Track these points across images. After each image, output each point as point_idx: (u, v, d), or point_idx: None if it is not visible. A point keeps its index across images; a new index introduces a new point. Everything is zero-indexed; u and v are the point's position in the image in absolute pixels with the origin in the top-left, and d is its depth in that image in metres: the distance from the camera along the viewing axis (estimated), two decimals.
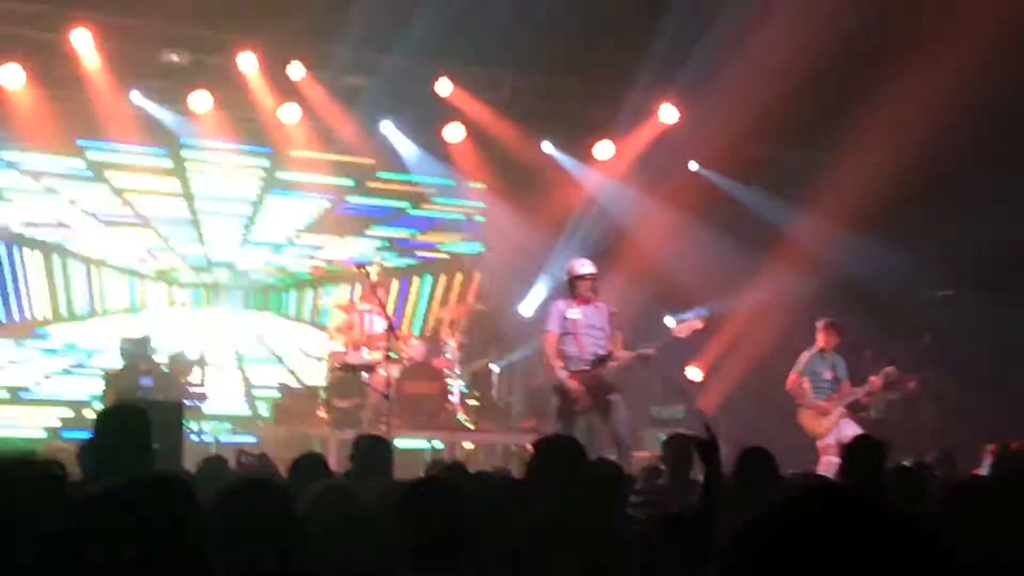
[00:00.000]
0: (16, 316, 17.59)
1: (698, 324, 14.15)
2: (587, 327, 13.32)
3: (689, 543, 4.69)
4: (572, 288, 13.53)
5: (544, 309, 15.10)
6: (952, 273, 18.38)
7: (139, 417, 6.51)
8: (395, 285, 18.50)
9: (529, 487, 6.17)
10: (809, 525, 1.86)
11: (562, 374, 13.14)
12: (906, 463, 10.42)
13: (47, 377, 17.64)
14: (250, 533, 3.88)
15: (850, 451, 7.43)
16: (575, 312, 13.35)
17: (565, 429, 12.78)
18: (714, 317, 16.32)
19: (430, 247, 20.20)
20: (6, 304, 17.49)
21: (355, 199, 19.54)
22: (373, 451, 8.58)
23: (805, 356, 15.45)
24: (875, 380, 15.44)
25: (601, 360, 13.24)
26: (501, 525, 4.69)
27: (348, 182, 19.39)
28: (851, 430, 13.88)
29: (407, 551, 4.43)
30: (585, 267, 13.55)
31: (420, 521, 4.47)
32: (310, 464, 7.54)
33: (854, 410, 15.41)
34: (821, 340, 15.42)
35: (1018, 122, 16.85)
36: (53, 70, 16.42)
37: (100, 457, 6.17)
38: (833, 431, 14.81)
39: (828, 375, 15.30)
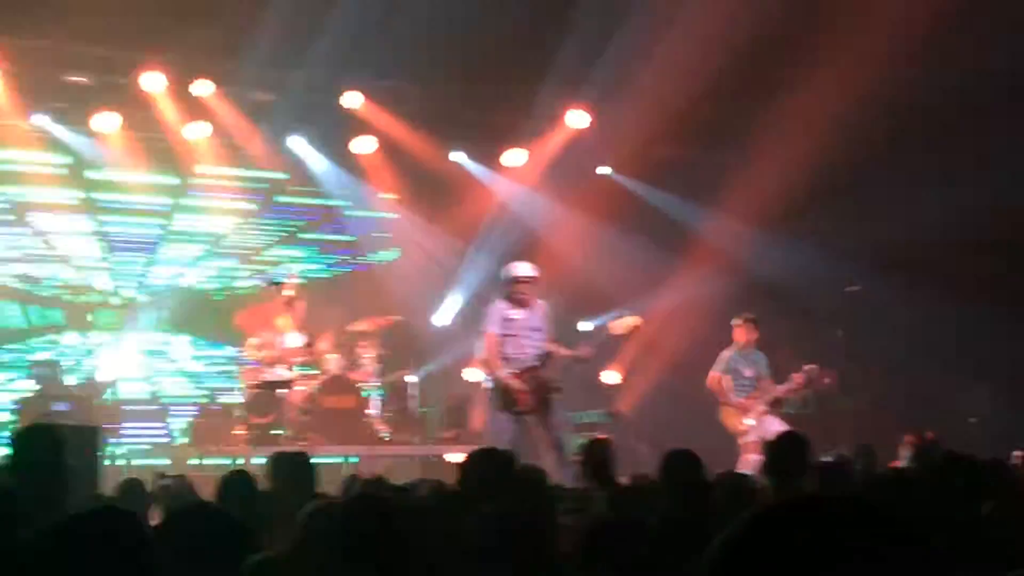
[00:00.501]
0: None
1: (638, 321, 14.07)
2: (527, 328, 13.28)
3: (613, 550, 4.67)
4: (510, 290, 13.45)
5: (473, 316, 15.02)
6: (861, 268, 18.53)
7: (51, 438, 6.43)
8: (309, 299, 18.38)
9: (461, 499, 6.15)
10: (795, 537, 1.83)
11: (503, 373, 13.08)
12: (827, 458, 10.54)
13: None
14: (202, 558, 3.82)
15: (774, 448, 7.46)
16: (515, 313, 13.30)
17: (501, 428, 12.78)
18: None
19: (343, 259, 20.10)
20: None
21: (266, 214, 19.42)
22: (293, 468, 8.51)
23: (725, 354, 15.49)
24: (797, 377, 15.50)
25: (541, 359, 13.22)
26: (435, 540, 4.67)
27: (259, 197, 19.26)
28: (773, 427, 13.92)
29: (344, 570, 4.38)
30: (523, 270, 13.48)
31: (356, 538, 4.42)
32: (238, 482, 7.45)
33: (774, 407, 15.50)
34: (740, 336, 15.45)
35: (921, 119, 17.04)
36: None
37: (15, 478, 6.07)
38: (755, 428, 14.86)
39: (749, 372, 15.35)
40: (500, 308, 13.37)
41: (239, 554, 3.87)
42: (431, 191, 19.38)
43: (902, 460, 12.45)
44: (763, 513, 1.86)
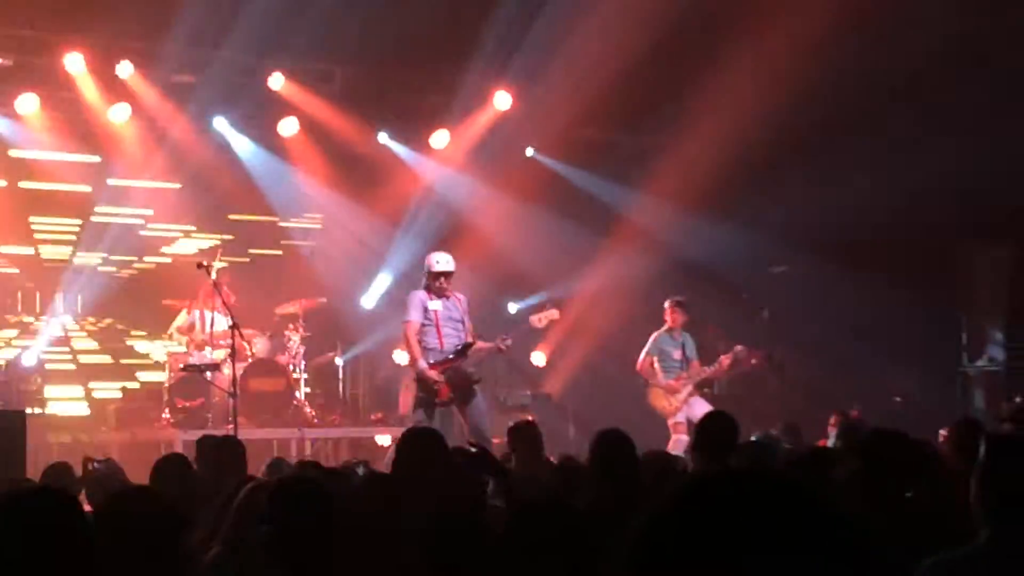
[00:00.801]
0: None
1: (555, 315, 14.27)
2: (447, 319, 13.38)
3: (541, 531, 4.68)
4: (429, 282, 13.52)
5: (401, 298, 14.97)
6: (786, 249, 18.66)
7: None
8: (235, 281, 18.28)
9: (395, 481, 6.16)
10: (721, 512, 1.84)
11: (422, 365, 13.14)
12: (754, 437, 10.64)
13: None
14: (139, 541, 3.80)
15: (702, 428, 7.51)
16: (435, 304, 13.37)
17: (424, 420, 12.84)
18: (558, 301, 16.38)
19: (268, 241, 20.00)
20: None
21: (189, 198, 19.27)
22: (222, 451, 8.51)
23: (654, 336, 15.63)
24: (724, 359, 15.70)
25: (462, 351, 13.29)
26: (372, 522, 4.67)
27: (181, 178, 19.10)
28: (701, 408, 14.09)
29: (275, 551, 4.38)
30: (442, 265, 13.54)
31: (290, 520, 4.42)
32: (173, 465, 7.42)
33: (702, 388, 15.64)
34: (669, 319, 15.61)
35: (844, 100, 17.18)
36: None
37: None
38: (683, 409, 15.01)
39: (677, 354, 15.51)
40: (421, 297, 13.45)
41: (174, 537, 3.86)
42: (357, 173, 19.29)
43: (829, 439, 12.58)
44: (684, 489, 1.87)
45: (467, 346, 13.33)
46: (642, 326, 16.15)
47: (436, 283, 13.42)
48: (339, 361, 18.08)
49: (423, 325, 13.33)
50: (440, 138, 19.36)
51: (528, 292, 20.06)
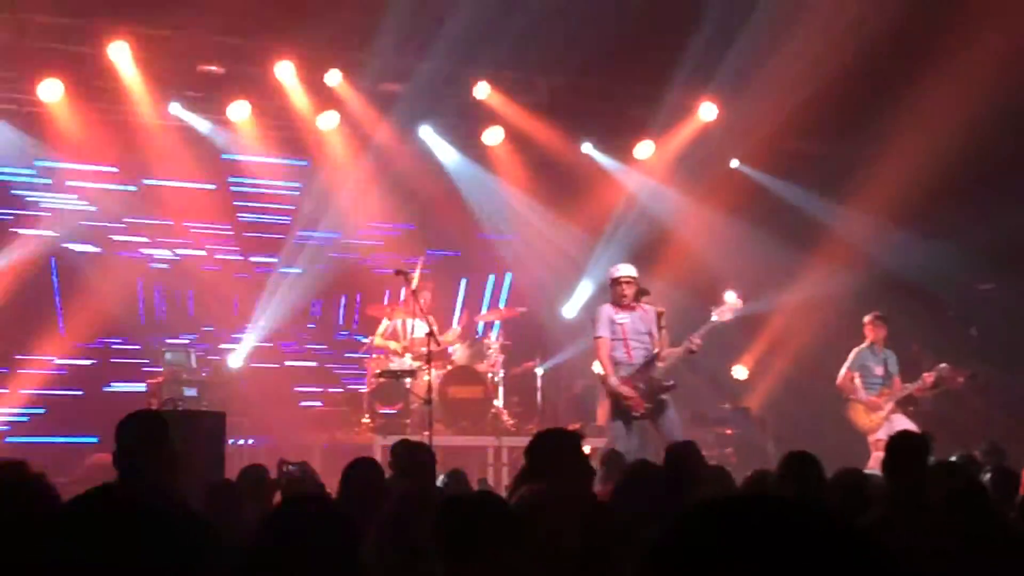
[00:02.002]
0: None
1: (738, 304, 13.94)
2: (634, 332, 13.31)
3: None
4: (613, 292, 13.50)
5: (589, 314, 14.97)
6: (994, 266, 18.21)
7: (157, 423, 6.51)
8: (437, 288, 18.45)
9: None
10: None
11: (614, 381, 13.11)
12: (954, 457, 10.37)
13: None
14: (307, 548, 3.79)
15: (891, 446, 7.35)
16: (623, 317, 13.33)
17: (619, 435, 12.82)
18: (757, 313, 16.19)
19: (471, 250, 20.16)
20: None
21: (394, 204, 19.51)
22: (414, 456, 8.58)
23: (855, 351, 15.37)
24: (928, 376, 15.36)
25: (650, 361, 13.21)
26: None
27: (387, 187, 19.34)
28: (902, 425, 13.79)
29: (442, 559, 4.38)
30: (621, 271, 13.50)
31: (451, 532, 4.42)
32: (364, 470, 7.46)
33: (904, 405, 15.32)
34: (869, 334, 15.35)
35: None
36: (91, 82, 16.45)
37: (123, 465, 6.16)
38: (884, 426, 14.70)
39: (879, 370, 15.24)
40: (608, 312, 13.39)
41: (339, 545, 3.85)
42: (560, 182, 19.32)
43: None
44: (690, 512, 1.89)
45: (654, 356, 13.24)
46: (844, 342, 15.88)
47: (617, 291, 13.35)
48: (538, 370, 18.08)
49: (612, 339, 13.28)
50: (644, 149, 19.31)
51: None
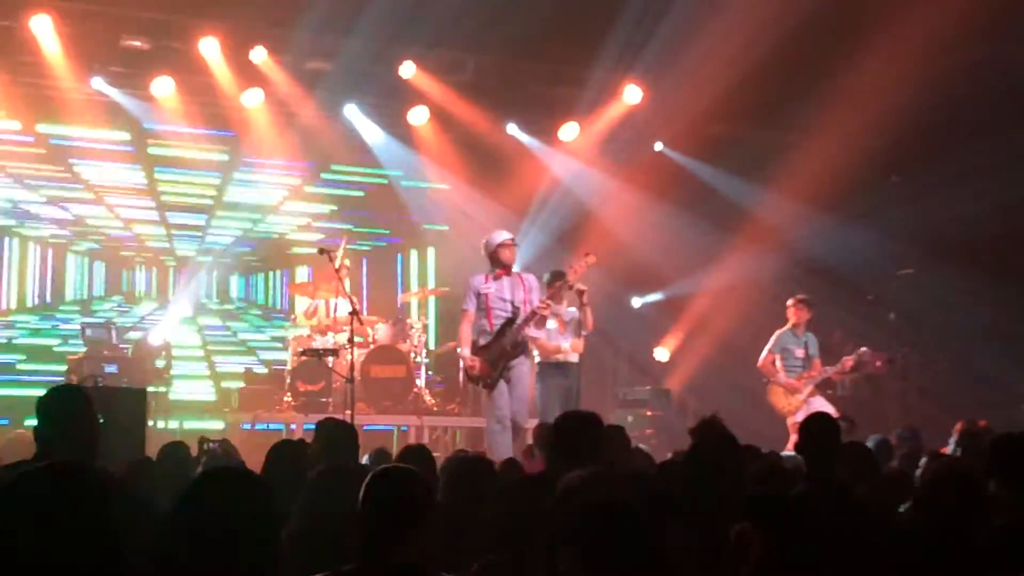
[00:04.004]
0: None
1: (591, 259, 13.53)
2: (498, 300, 13.03)
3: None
4: (497, 259, 13.26)
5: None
6: (913, 251, 18.39)
7: (80, 397, 6.38)
8: (359, 267, 18.45)
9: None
10: None
11: (463, 352, 13.21)
12: (870, 441, 10.49)
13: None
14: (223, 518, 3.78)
15: (804, 429, 7.45)
16: (488, 287, 13.08)
17: (488, 398, 12.93)
18: (680, 295, 16.25)
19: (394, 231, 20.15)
20: None
21: (317, 182, 19.50)
22: (336, 435, 8.55)
23: (777, 334, 15.46)
24: (847, 360, 15.46)
25: (503, 327, 13.00)
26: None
27: (311, 166, 19.33)
28: (821, 408, 13.85)
29: (366, 536, 4.39)
30: (504, 235, 13.36)
31: (378, 507, 4.43)
32: (288, 451, 7.45)
33: (823, 388, 15.44)
34: (792, 316, 15.41)
35: (977, 100, 16.89)
36: (12, 55, 16.28)
37: (44, 439, 6.05)
38: (803, 409, 14.77)
39: (800, 353, 15.31)
40: (473, 284, 13.23)
41: (259, 513, 3.84)
42: (485, 163, 19.31)
43: (950, 447, 12.33)
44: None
45: (508, 322, 13.07)
46: (766, 325, 15.97)
47: (505, 255, 13.18)
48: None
49: (476, 311, 13.17)
50: (569, 130, 19.34)
51: (653, 288, 20.01)
